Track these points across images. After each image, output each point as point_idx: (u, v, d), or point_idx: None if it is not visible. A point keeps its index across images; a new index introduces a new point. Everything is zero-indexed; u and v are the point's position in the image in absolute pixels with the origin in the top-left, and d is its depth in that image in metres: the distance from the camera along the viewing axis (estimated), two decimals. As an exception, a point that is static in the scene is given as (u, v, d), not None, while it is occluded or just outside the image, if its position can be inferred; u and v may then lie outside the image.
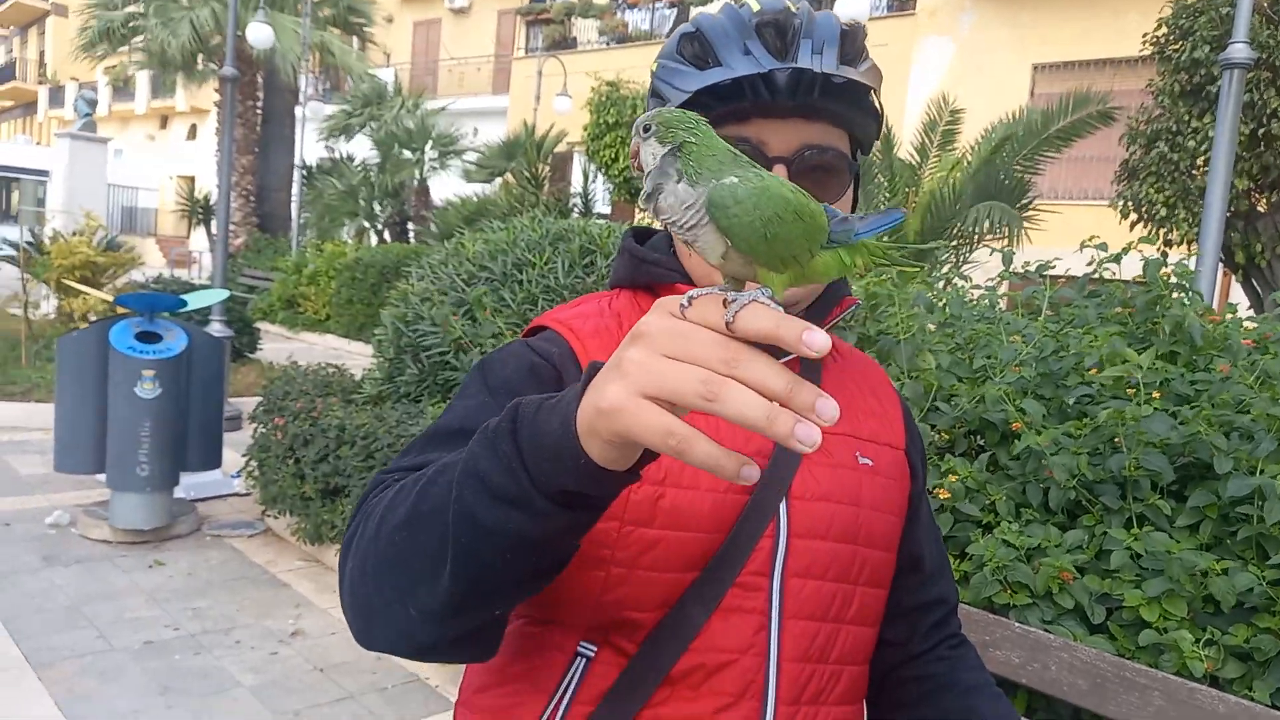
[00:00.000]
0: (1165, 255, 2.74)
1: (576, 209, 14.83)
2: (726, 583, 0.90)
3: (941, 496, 2.20)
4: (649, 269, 1.02)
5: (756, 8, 0.95)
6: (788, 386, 0.56)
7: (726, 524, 0.91)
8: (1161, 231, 8.14)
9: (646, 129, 0.67)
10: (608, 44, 21.55)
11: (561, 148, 16.24)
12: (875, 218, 0.73)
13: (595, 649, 0.90)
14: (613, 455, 0.63)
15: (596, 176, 14.75)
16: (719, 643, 0.90)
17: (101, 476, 4.98)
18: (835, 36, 0.93)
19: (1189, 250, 7.60)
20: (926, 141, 8.27)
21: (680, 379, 0.57)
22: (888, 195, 7.62)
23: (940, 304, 3.05)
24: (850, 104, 0.96)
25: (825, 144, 0.96)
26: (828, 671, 0.96)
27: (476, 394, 0.92)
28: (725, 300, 0.59)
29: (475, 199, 15.31)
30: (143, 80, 33.38)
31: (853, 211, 1.05)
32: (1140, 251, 2.85)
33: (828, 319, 1.02)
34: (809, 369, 1.03)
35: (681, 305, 0.61)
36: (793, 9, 0.94)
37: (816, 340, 0.55)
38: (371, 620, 0.80)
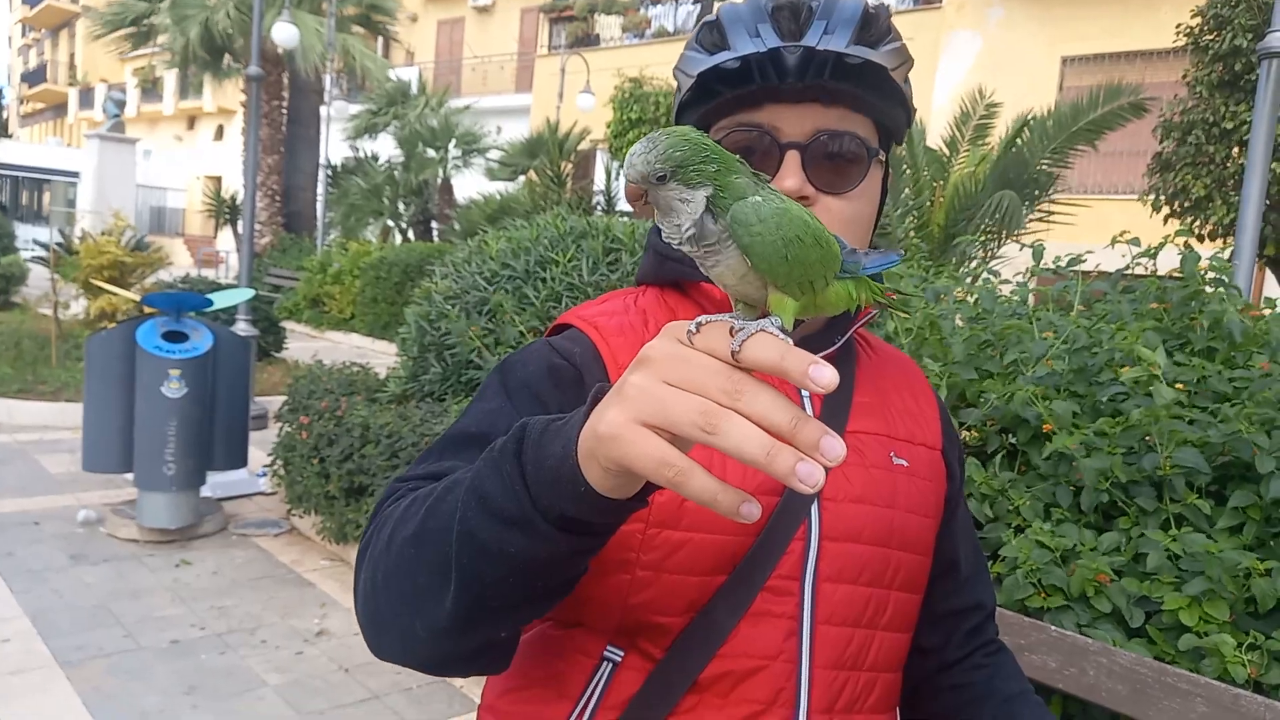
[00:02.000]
0: (1190, 247, 2.67)
1: (600, 206, 14.82)
2: (756, 586, 0.88)
3: None
4: (674, 266, 1.00)
5: None
6: (792, 422, 0.53)
7: (756, 526, 0.88)
8: (1194, 223, 8.01)
9: (661, 178, 0.61)
10: (631, 40, 21.51)
11: (585, 145, 16.21)
12: (877, 256, 0.73)
13: (622, 653, 0.88)
14: (612, 483, 0.61)
15: (619, 174, 14.73)
16: (748, 648, 0.87)
17: (130, 475, 5.02)
18: (852, 18, 0.89)
19: (1224, 243, 7.48)
20: (957, 135, 8.17)
21: (679, 408, 0.55)
22: (912, 187, 7.53)
23: (968, 299, 3.00)
24: (870, 87, 0.91)
25: (842, 129, 0.92)
26: (861, 679, 0.93)
27: (494, 397, 0.91)
28: (733, 329, 0.57)
29: (498, 197, 15.34)
30: (170, 81, 33.79)
31: (881, 202, 1.02)
32: (1177, 245, 2.78)
33: (859, 316, 0.98)
34: (843, 369, 1.00)
35: (689, 331, 0.59)
36: None
37: (823, 376, 0.53)
38: (381, 631, 0.79)
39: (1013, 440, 2.43)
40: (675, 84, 0.99)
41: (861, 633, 0.93)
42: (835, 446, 0.53)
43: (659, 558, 0.86)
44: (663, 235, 0.66)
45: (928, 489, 1.01)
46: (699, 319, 0.59)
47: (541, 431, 0.66)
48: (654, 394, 0.56)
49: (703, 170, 0.62)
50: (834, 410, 0.96)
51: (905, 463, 0.99)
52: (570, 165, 15.20)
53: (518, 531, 0.65)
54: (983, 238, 7.63)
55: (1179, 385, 2.19)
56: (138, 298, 6.12)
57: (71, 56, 45.23)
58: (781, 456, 0.52)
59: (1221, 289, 2.65)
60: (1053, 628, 1.90)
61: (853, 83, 0.90)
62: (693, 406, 0.55)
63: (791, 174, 0.91)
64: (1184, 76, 8.42)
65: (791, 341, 0.55)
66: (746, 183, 0.62)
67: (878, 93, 0.93)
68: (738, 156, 0.65)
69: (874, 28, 0.91)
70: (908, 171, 7.49)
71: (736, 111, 0.93)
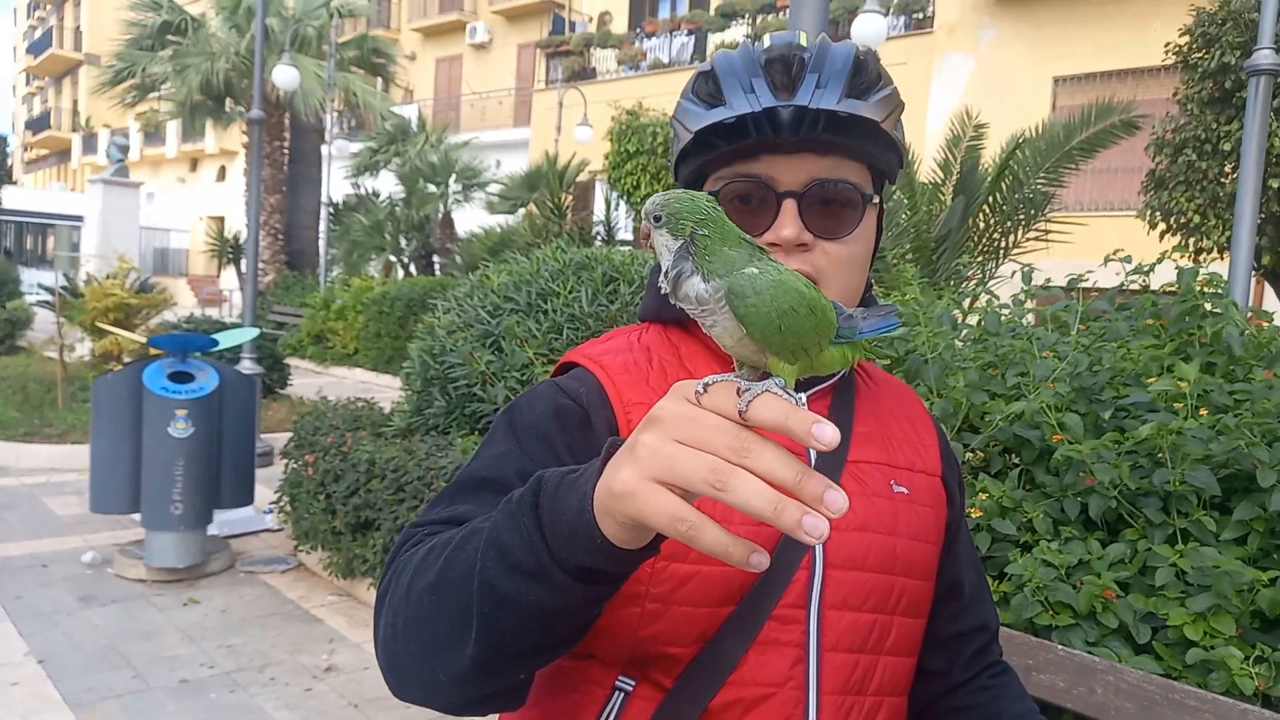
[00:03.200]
0: (1197, 263, 2.69)
1: (599, 237, 14.89)
2: (763, 615, 0.89)
3: (974, 515, 2.16)
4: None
5: (768, 44, 0.95)
6: (796, 477, 0.57)
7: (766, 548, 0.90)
8: (1192, 240, 8.03)
9: (657, 219, 0.68)
10: (627, 73, 21.70)
11: (583, 177, 16.32)
12: (876, 319, 0.75)
13: (633, 683, 0.90)
14: (627, 536, 0.64)
15: (619, 204, 14.80)
16: (756, 676, 0.89)
17: (137, 516, 5.03)
18: (843, 70, 0.93)
19: (1221, 258, 7.50)
20: (949, 157, 8.22)
21: (690, 466, 0.59)
22: (909, 213, 7.56)
23: (970, 320, 3.02)
24: (862, 137, 0.95)
25: (836, 177, 0.95)
26: (867, 703, 0.95)
27: (502, 441, 0.93)
28: (739, 389, 0.61)
29: (499, 230, 15.41)
30: (172, 125, 34.11)
31: (876, 242, 1.05)
32: (1174, 260, 2.80)
33: None
34: (842, 399, 1.02)
35: (696, 391, 0.62)
36: (803, 43, 0.94)
37: (825, 434, 0.56)
38: (403, 677, 0.81)
39: (1016, 460, 2.44)
40: (673, 131, 1.02)
41: (866, 658, 0.94)
42: (838, 499, 0.57)
43: (667, 590, 0.88)
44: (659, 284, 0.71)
45: (928, 515, 1.02)
46: (706, 379, 0.63)
47: (557, 485, 0.69)
48: (666, 452, 0.60)
49: (688, 227, 0.67)
50: None
51: (905, 490, 1.00)
52: (570, 197, 15.28)
53: (536, 582, 0.68)
54: (980, 258, 7.65)
55: (1202, 411, 2.20)
56: (143, 339, 6.15)
57: (75, 103, 45.70)
58: (788, 510, 0.56)
59: (1220, 302, 2.67)
60: (1060, 647, 1.90)
61: (845, 134, 0.93)
62: (703, 464, 0.58)
63: (789, 222, 0.93)
64: (1175, 94, 8.48)
65: (794, 400, 0.59)
66: (739, 255, 0.66)
67: (870, 141, 0.96)
68: (746, 236, 0.69)
69: (864, 76, 0.94)
70: (900, 195, 7.54)
71: (734, 162, 0.96)
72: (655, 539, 0.66)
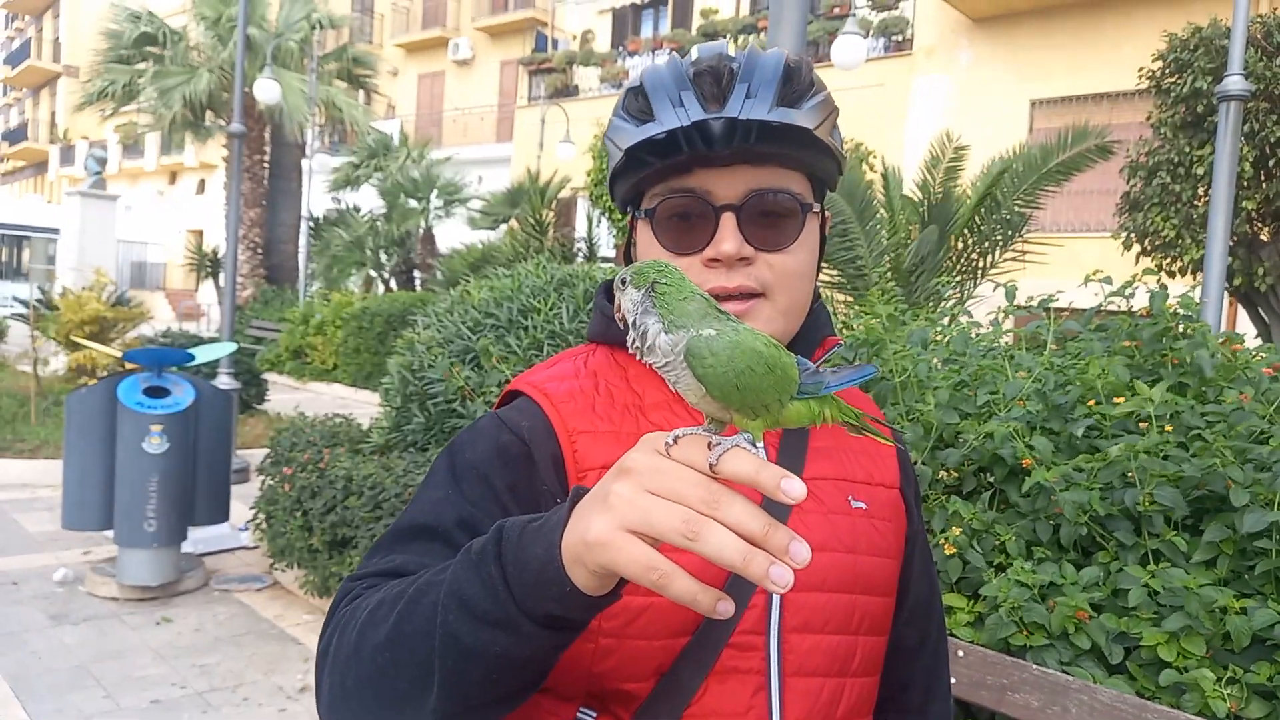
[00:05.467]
0: (1165, 286, 2.72)
1: (581, 254, 14.90)
2: (719, 644, 0.87)
3: (948, 551, 2.16)
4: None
5: (696, 56, 0.93)
6: (764, 529, 0.59)
7: (716, 584, 0.88)
8: (1165, 261, 8.14)
9: (624, 280, 0.71)
10: (609, 90, 21.80)
11: (565, 193, 16.37)
12: (848, 371, 0.75)
13: (594, 715, 0.88)
14: (596, 583, 0.65)
15: (600, 221, 14.84)
16: (716, 706, 0.87)
17: (110, 533, 4.96)
18: (773, 78, 0.90)
19: (1195, 279, 7.61)
20: (929, 178, 8.29)
21: (663, 516, 0.60)
22: (889, 233, 7.63)
23: (942, 340, 3.04)
24: (796, 145, 0.92)
25: (775, 187, 0.93)
26: None
27: (441, 484, 0.91)
28: (710, 443, 0.63)
29: (480, 246, 15.40)
30: (152, 137, 33.90)
31: (821, 250, 1.03)
32: (1144, 284, 2.84)
33: (816, 356, 1.00)
34: None
35: (666, 444, 0.64)
36: (730, 54, 0.93)
37: (794, 489, 0.59)
38: None
39: (990, 479, 2.45)
40: (605, 150, 0.99)
41: (833, 682, 0.92)
42: (801, 551, 0.59)
43: (620, 624, 0.86)
44: (628, 343, 0.71)
45: (888, 529, 1.00)
46: (675, 432, 0.64)
47: (520, 534, 0.69)
48: (640, 504, 0.62)
49: (649, 279, 0.69)
50: (790, 457, 0.95)
51: (864, 505, 0.98)
52: (551, 213, 15.30)
53: (501, 632, 0.68)
54: (959, 278, 7.72)
55: (1167, 428, 2.22)
56: (119, 353, 6.09)
57: (53, 115, 45.33)
58: (756, 560, 0.58)
59: (1193, 325, 2.70)
60: (1034, 666, 1.91)
61: (779, 144, 0.91)
62: (676, 515, 0.60)
63: (729, 236, 0.91)
64: (1148, 118, 8.61)
65: (763, 455, 0.61)
66: (695, 309, 0.68)
67: (805, 149, 0.93)
68: (707, 295, 0.70)
69: (796, 83, 0.91)
70: (882, 213, 7.60)
71: (668, 178, 0.94)
72: (618, 585, 0.67)
